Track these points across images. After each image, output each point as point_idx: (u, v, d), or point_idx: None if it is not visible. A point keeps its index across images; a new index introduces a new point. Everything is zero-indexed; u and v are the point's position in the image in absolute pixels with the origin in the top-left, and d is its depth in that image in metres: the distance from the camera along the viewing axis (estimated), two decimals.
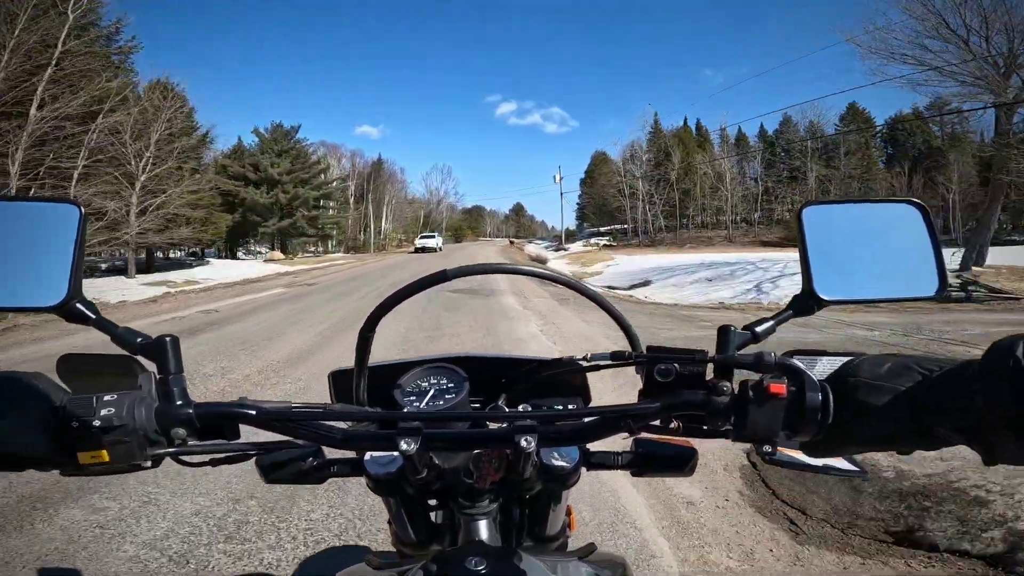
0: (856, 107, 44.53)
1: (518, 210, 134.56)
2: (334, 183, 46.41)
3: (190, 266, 25.13)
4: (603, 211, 50.60)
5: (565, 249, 39.69)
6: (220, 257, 35.93)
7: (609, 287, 18.66)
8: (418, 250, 38.48)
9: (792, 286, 10.93)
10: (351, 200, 52.73)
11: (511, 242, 73.98)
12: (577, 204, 61.26)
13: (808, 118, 42.74)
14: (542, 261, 28.38)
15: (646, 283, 17.90)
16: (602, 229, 51.72)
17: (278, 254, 32.53)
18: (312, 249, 45.06)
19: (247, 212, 36.13)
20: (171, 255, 33.82)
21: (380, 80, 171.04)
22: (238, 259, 34.61)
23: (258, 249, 39.73)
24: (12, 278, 0.51)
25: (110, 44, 17.98)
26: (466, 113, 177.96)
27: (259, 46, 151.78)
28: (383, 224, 55.84)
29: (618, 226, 49.47)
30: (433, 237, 41.95)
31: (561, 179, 43.31)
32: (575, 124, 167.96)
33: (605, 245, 37.18)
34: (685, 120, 48.64)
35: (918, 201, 0.57)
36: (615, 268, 23.60)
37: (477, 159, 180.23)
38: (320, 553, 1.26)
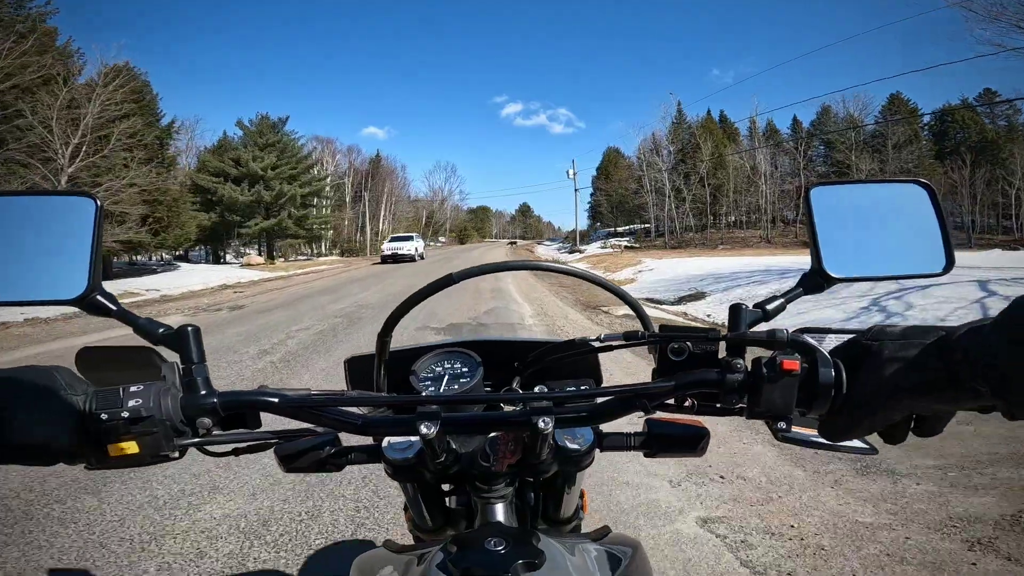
0: (900, 97, 40.38)
1: (525, 210, 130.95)
2: (327, 179, 42.59)
3: (154, 272, 21.90)
4: (620, 209, 46.48)
5: (580, 251, 35.59)
6: (207, 260, 32.41)
7: (650, 300, 14.81)
8: (386, 259, 26.46)
9: (929, 302, 7.56)
10: (347, 199, 49.11)
11: (512, 243, 70.75)
12: (589, 203, 57.14)
13: (848, 108, 38.40)
14: None
15: (699, 295, 13.92)
16: (619, 229, 47.61)
17: (256, 258, 28.72)
18: (307, 251, 41.45)
19: (225, 211, 32.40)
20: (152, 258, 30.55)
21: (387, 82, 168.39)
22: (225, 263, 30.85)
23: (247, 251, 36.04)
24: (32, 272, 0.52)
25: (18, 11, 14.61)
26: (473, 115, 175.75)
27: (261, 46, 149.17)
28: (381, 225, 51.99)
29: (637, 225, 45.44)
30: (410, 239, 28.83)
31: (575, 173, 39.23)
32: (582, 125, 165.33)
33: (627, 246, 32.86)
34: (708, 111, 44.47)
35: (925, 181, 0.57)
36: (650, 275, 19.64)
37: (483, 160, 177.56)
38: (331, 546, 1.30)
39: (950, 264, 0.55)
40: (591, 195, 54.57)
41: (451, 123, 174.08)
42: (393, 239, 30.24)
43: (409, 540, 0.71)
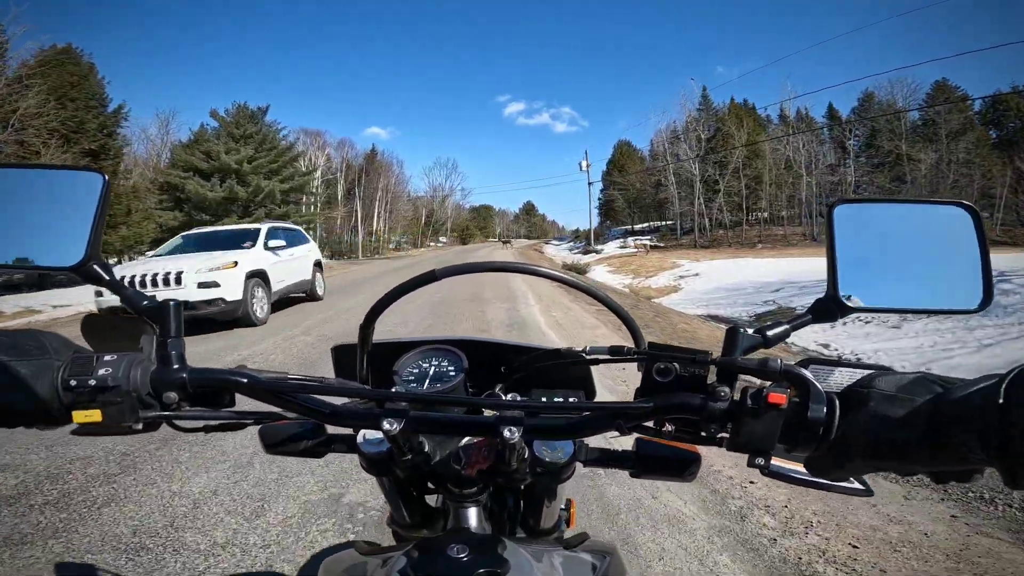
0: (947, 84, 36.15)
1: (529, 209, 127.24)
2: (313, 174, 38.62)
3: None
4: (637, 205, 42.37)
5: (596, 251, 31.53)
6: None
7: (714, 317, 10.90)
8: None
9: None
10: (340, 197, 45.22)
11: (505, 243, 67.72)
12: (600, 199, 52.98)
13: (895, 94, 34.03)
14: (578, 271, 19.95)
15: (784, 312, 10.00)
16: (636, 227, 43.47)
17: None
18: None
19: (193, 210, 28.50)
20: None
21: (389, 82, 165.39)
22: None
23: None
24: (36, 240, 0.55)
25: None
26: (475, 115, 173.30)
27: (260, 45, 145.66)
28: (375, 224, 48.03)
29: (657, 223, 41.32)
30: (245, 240, 7.95)
31: (589, 165, 35.20)
32: (586, 124, 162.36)
33: (653, 246, 28.63)
34: (732, 99, 40.26)
35: (969, 204, 0.52)
36: (698, 282, 15.63)
37: (486, 161, 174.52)
38: (322, 552, 1.21)
39: (987, 300, 0.50)
40: (601, 191, 50.56)
41: (453, 123, 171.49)
42: (179, 247, 8.41)
43: (389, 534, 0.70)
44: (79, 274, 0.53)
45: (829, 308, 0.51)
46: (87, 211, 0.53)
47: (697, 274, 17.74)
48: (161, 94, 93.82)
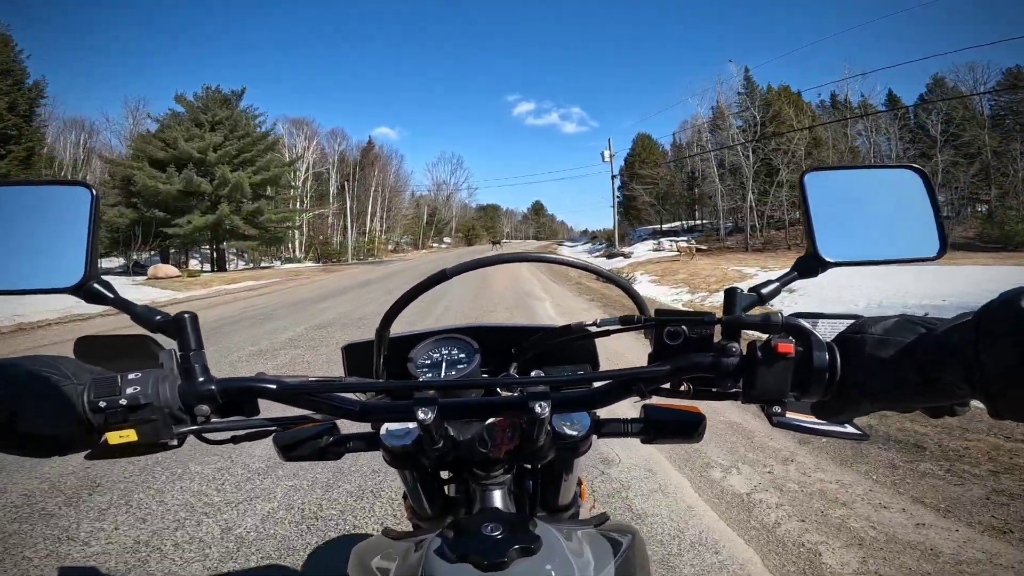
0: (1021, 71, 30.85)
1: (537, 209, 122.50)
2: (295, 164, 33.97)
3: None
4: (666, 202, 37.40)
5: (624, 254, 26.63)
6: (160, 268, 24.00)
7: None
8: None
9: None
10: (331, 193, 40.76)
11: (495, 243, 63.10)
12: (618, 198, 47.99)
13: (970, 80, 28.69)
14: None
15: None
16: (665, 226, 38.49)
17: (165, 268, 20.28)
18: (282, 256, 33.21)
19: (144, 205, 23.86)
20: None
21: (394, 82, 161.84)
22: (184, 274, 22.29)
23: (229, 255, 27.76)
24: (28, 261, 0.52)
25: None
26: (484, 115, 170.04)
27: (262, 47, 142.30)
28: (369, 223, 43.50)
29: (691, 221, 36.41)
30: None
31: (612, 156, 30.39)
32: (595, 124, 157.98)
33: (698, 249, 23.64)
34: (769, 85, 35.12)
35: (918, 166, 0.58)
36: (797, 303, 10.70)
37: (495, 161, 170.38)
38: (333, 540, 1.23)
39: (943, 248, 0.55)
40: (619, 188, 45.64)
41: (462, 122, 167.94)
42: None
43: (408, 528, 0.71)
44: (80, 295, 0.50)
45: (810, 264, 0.55)
46: (79, 227, 0.51)
47: (793, 291, 12.30)
48: (161, 93, 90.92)
